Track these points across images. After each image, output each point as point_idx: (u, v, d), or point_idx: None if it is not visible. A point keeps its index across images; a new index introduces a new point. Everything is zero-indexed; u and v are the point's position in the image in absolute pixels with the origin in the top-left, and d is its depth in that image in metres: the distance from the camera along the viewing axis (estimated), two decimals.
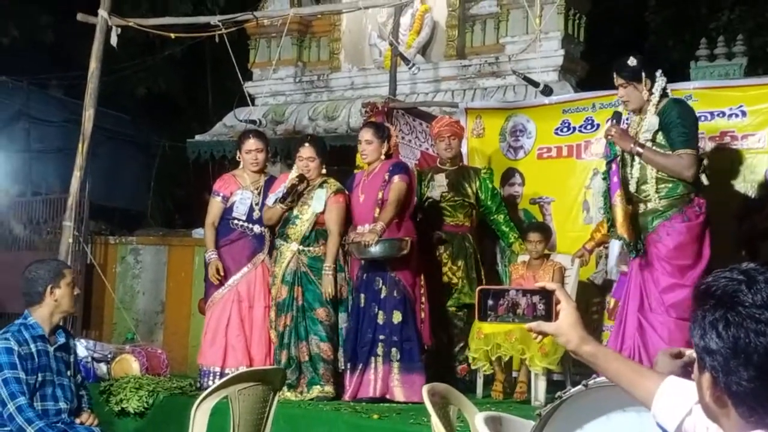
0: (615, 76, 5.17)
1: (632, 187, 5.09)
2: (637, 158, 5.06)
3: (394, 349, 5.78)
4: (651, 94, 5.08)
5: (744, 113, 6.34)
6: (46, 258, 5.26)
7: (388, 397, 5.73)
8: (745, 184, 6.11)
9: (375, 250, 5.74)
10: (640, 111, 5.14)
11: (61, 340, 4.33)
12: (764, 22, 12.85)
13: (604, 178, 5.23)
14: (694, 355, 2.09)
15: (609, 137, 5.07)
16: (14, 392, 4.00)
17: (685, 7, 13.53)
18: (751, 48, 10.08)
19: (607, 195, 5.13)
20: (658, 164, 4.96)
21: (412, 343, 5.83)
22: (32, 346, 4.16)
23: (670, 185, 5.01)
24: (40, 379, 4.14)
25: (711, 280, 1.52)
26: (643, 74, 5.09)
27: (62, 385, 4.26)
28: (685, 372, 2.05)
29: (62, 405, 4.21)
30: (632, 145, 4.97)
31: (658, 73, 5.09)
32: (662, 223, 5.02)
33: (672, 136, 4.99)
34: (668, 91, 5.14)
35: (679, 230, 4.98)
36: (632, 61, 5.11)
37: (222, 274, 6.12)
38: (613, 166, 5.06)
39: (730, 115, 6.21)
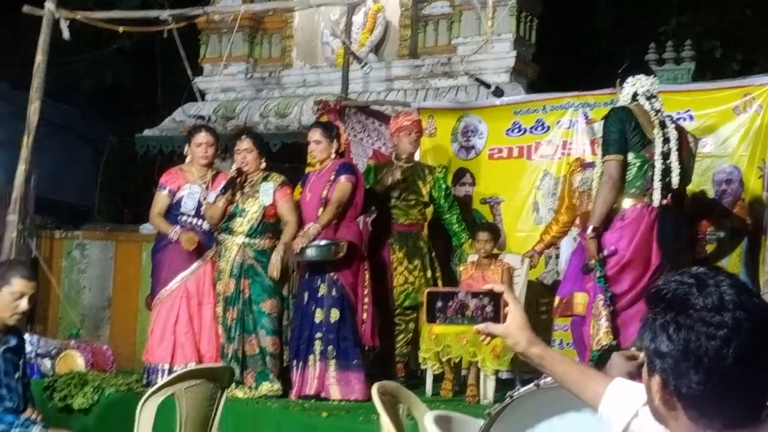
0: None
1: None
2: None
3: (330, 347, 5.79)
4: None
5: (692, 117, 6.45)
6: (19, 259, 5.09)
7: (323, 395, 5.73)
8: (693, 187, 6.21)
9: (309, 253, 5.78)
10: None
11: (12, 342, 4.24)
12: (712, 28, 13.05)
13: None
14: None
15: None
16: None
17: (636, 12, 13.69)
18: (699, 53, 10.24)
19: None
20: (603, 204, 5.00)
21: (349, 342, 5.84)
22: None
23: None
24: None
25: (662, 284, 1.54)
26: (618, 79, 5.21)
27: (9, 386, 4.19)
28: (639, 374, 2.07)
29: (8, 404, 4.14)
30: (589, 233, 5.01)
31: (633, 78, 5.15)
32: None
33: None
34: (638, 97, 5.15)
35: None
36: (623, 66, 5.29)
37: (198, 239, 6.03)
38: None
39: (678, 119, 6.31)
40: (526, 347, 2.02)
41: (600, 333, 5.00)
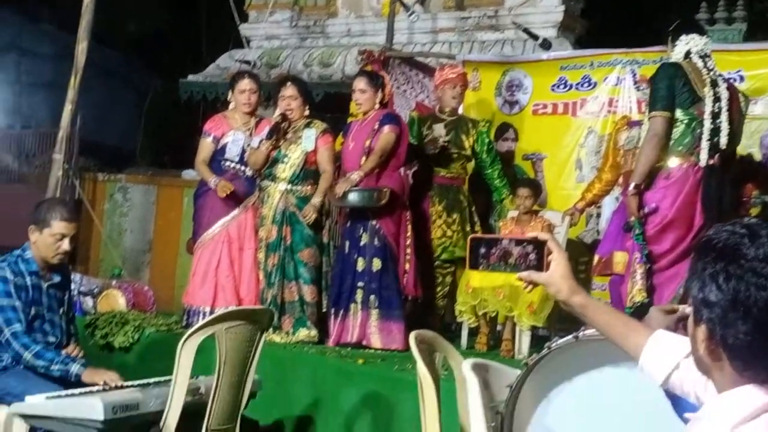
0: None
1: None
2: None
3: (372, 296, 5.82)
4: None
5: (742, 78, 6.33)
6: (60, 199, 5.12)
7: (364, 343, 5.77)
8: (740, 149, 6.11)
9: (351, 198, 5.79)
10: None
11: (56, 279, 4.32)
12: None
13: None
14: (687, 310, 2.11)
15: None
16: (10, 319, 4.02)
17: None
18: (751, 13, 10.03)
19: None
20: (645, 161, 4.94)
21: (391, 292, 5.86)
22: (27, 279, 4.17)
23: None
24: (33, 312, 4.15)
25: (713, 233, 1.52)
26: (670, 38, 5.14)
27: (52, 321, 4.28)
28: (678, 328, 2.07)
29: (51, 339, 4.23)
30: (630, 190, 4.99)
31: (686, 36, 5.06)
32: None
33: None
34: (692, 55, 5.05)
35: None
36: (673, 25, 5.20)
37: (232, 188, 6.06)
38: None
39: (728, 80, 6.21)
40: (568, 296, 2.01)
41: (634, 290, 4.98)
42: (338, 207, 6.19)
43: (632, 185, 4.97)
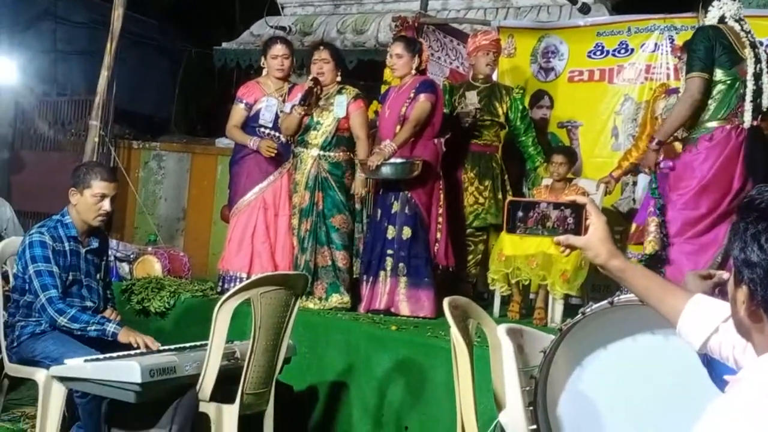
0: None
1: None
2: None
3: (401, 264, 5.82)
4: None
5: None
6: (98, 162, 5.16)
7: (393, 310, 5.79)
8: None
9: (384, 171, 5.75)
10: None
11: (94, 244, 4.36)
12: None
13: None
14: (724, 276, 2.08)
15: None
16: (47, 284, 4.07)
17: None
18: None
19: None
20: (676, 119, 4.93)
21: (420, 260, 5.85)
22: (66, 244, 4.22)
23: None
24: (70, 278, 4.21)
25: (755, 193, 1.50)
26: (701, 4, 5.10)
27: (90, 287, 4.33)
28: (714, 293, 2.05)
29: (88, 304, 4.28)
30: (653, 145, 5.00)
31: (719, 2, 5.00)
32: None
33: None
34: (726, 19, 5.00)
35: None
36: None
37: (275, 145, 6.06)
38: None
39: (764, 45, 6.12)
40: (606, 260, 1.99)
41: (646, 242, 5.01)
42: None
43: (655, 141, 5.00)
